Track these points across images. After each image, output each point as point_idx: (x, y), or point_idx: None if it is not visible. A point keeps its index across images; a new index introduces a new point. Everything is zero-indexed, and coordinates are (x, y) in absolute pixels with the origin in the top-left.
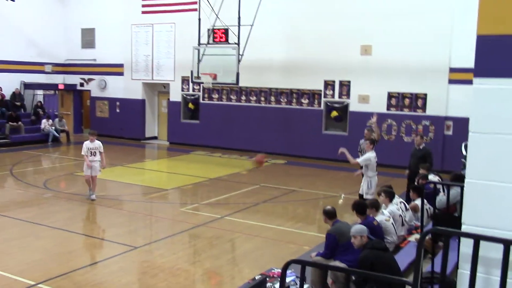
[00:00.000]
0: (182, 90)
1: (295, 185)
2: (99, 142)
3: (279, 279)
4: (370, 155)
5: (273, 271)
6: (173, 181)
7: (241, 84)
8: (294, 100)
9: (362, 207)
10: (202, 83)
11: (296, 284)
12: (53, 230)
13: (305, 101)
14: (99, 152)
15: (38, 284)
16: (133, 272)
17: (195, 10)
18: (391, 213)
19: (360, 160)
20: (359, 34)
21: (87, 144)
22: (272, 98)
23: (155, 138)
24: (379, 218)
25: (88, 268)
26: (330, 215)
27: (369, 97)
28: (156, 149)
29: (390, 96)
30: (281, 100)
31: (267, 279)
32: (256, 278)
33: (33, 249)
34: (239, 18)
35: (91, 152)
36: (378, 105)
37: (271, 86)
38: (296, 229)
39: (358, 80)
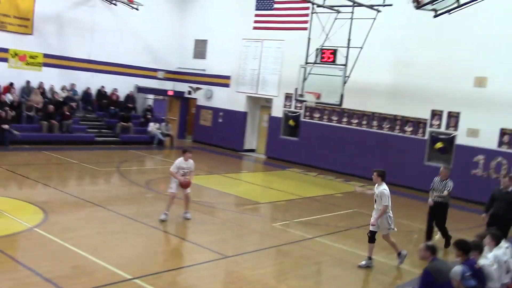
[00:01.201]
0: (284, 107)
1: None
2: (192, 162)
3: None
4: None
5: None
6: (267, 195)
7: (344, 105)
8: (397, 127)
9: (468, 247)
10: (305, 101)
11: None
12: (151, 229)
13: (409, 128)
14: (190, 171)
15: (134, 279)
16: (221, 280)
17: (305, 29)
18: (496, 257)
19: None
20: (473, 64)
21: (180, 162)
22: (375, 123)
23: (253, 150)
24: (482, 262)
25: (181, 270)
26: (434, 251)
27: (479, 132)
28: (253, 162)
29: (502, 132)
30: (384, 125)
31: None
32: None
33: (132, 245)
34: (349, 39)
35: (184, 172)
36: (489, 140)
37: (374, 110)
38: (388, 261)
39: (468, 112)
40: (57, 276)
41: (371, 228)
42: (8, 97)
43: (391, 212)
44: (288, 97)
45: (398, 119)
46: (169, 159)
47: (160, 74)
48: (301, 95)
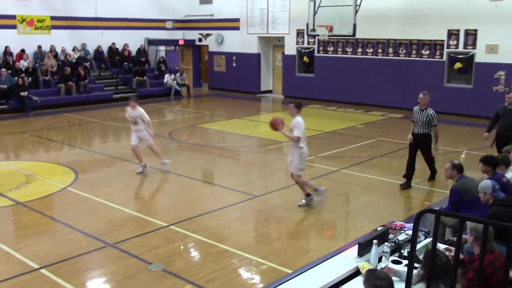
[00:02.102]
0: (297, 44)
1: None
2: (141, 110)
3: (402, 231)
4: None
5: (395, 223)
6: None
7: (357, 35)
8: (414, 52)
9: (495, 162)
10: (318, 35)
11: (420, 237)
12: (180, 177)
13: (425, 52)
14: (142, 120)
15: (170, 226)
16: (253, 219)
17: None
18: None
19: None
20: None
21: (127, 110)
22: (390, 50)
23: (270, 91)
24: (509, 175)
25: (212, 214)
26: (459, 169)
27: (498, 47)
28: (271, 102)
29: None
30: (400, 51)
31: (390, 230)
32: (378, 229)
33: (162, 194)
34: None
35: (131, 121)
36: (509, 55)
37: (389, 37)
38: (415, 184)
39: (486, 29)
40: (95, 230)
41: (302, 172)
42: (22, 64)
43: (305, 148)
44: (300, 33)
45: (414, 43)
46: (188, 109)
47: (168, 24)
48: (313, 30)
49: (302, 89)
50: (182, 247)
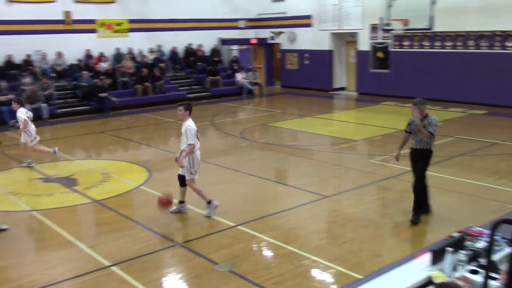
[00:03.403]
0: (371, 39)
1: (497, 137)
2: (22, 111)
3: (479, 238)
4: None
5: (472, 229)
6: (361, 132)
7: (435, 28)
8: (497, 44)
9: None
10: (393, 30)
11: (501, 245)
12: (250, 176)
13: (510, 43)
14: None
15: (238, 226)
16: (323, 220)
17: None
18: None
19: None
20: None
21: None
22: (471, 43)
23: (343, 89)
24: None
25: (281, 214)
26: None
27: None
28: (344, 99)
29: None
30: (481, 44)
31: (466, 237)
32: (453, 235)
33: (232, 194)
34: None
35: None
36: None
37: (469, 29)
38: (498, 186)
39: None
40: (165, 230)
41: (179, 171)
42: (102, 66)
43: (198, 152)
44: (374, 28)
45: (497, 34)
46: (259, 107)
47: (241, 24)
48: (388, 24)
49: (376, 86)
50: (249, 248)
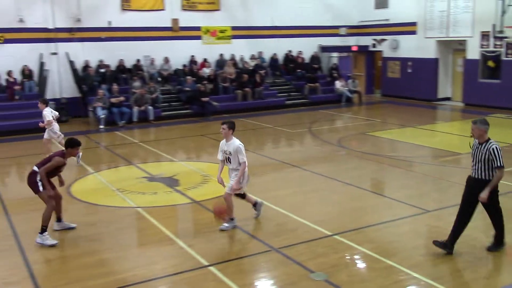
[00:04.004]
0: (481, 47)
1: None
2: (48, 110)
3: None
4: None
5: None
6: (467, 145)
7: None
8: None
9: None
10: (506, 37)
11: None
12: (347, 186)
13: None
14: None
15: (334, 236)
16: (423, 235)
17: None
18: None
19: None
20: None
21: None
22: None
23: (448, 99)
24: None
25: (380, 226)
26: None
27: None
28: (449, 110)
29: None
30: None
31: None
32: None
33: (329, 202)
34: None
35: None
36: None
37: None
38: None
39: None
40: (261, 234)
41: (235, 192)
42: (205, 72)
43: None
44: (484, 36)
45: None
46: (358, 116)
47: (342, 31)
48: (501, 31)
49: (485, 96)
50: (346, 258)
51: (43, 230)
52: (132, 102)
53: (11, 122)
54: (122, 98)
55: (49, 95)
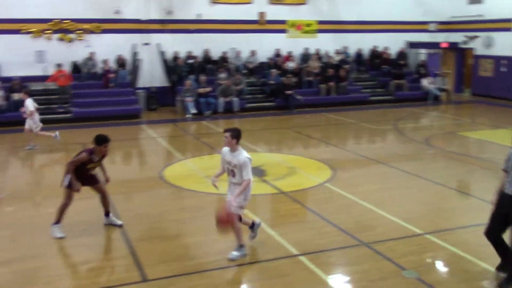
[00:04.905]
0: None
1: None
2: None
3: None
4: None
5: None
6: None
7: None
8: None
9: None
10: None
11: None
12: (435, 185)
13: None
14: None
15: (425, 234)
16: None
17: None
18: None
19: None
20: None
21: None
22: None
23: None
24: None
25: (469, 229)
26: None
27: None
28: None
29: None
30: None
31: None
32: None
33: (416, 201)
34: None
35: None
36: None
37: None
38: None
39: None
40: (349, 228)
41: (235, 211)
42: (289, 65)
43: (251, 185)
44: None
45: None
46: (446, 115)
47: (432, 27)
48: None
49: None
50: (438, 258)
51: (56, 222)
52: (218, 93)
53: (104, 108)
54: (209, 89)
55: (140, 84)
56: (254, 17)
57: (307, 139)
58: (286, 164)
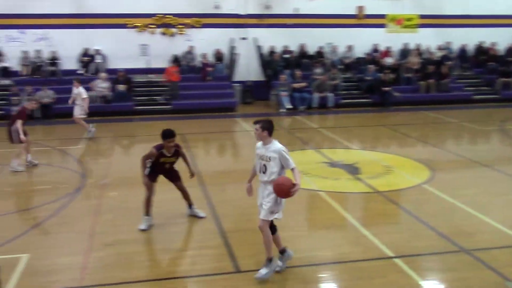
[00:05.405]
0: None
1: None
2: (82, 89)
3: None
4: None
5: None
6: None
7: None
8: None
9: None
10: None
11: None
12: None
13: None
14: (81, 98)
15: None
16: None
17: None
18: None
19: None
20: None
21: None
22: None
23: None
24: None
25: None
26: None
27: None
28: None
29: None
30: None
31: None
32: None
33: None
34: None
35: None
36: None
37: None
38: None
39: None
40: (448, 232)
41: (274, 216)
42: (387, 61)
43: None
44: None
45: None
46: None
47: None
48: None
49: None
50: None
51: (145, 214)
52: (313, 88)
53: (202, 101)
54: (304, 84)
55: (236, 77)
56: (352, 11)
57: (403, 137)
58: (381, 163)
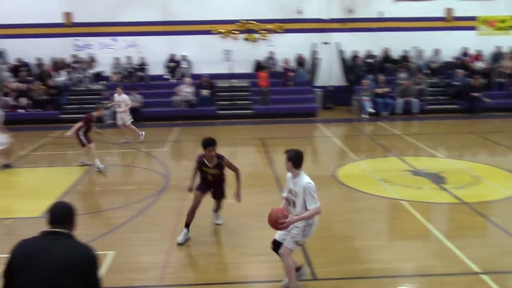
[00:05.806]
0: None
1: None
2: (126, 96)
3: None
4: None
5: None
6: None
7: None
8: None
9: None
10: None
11: None
12: None
13: None
14: (125, 104)
15: None
16: None
17: None
18: None
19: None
20: None
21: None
22: None
23: None
24: None
25: None
26: None
27: None
28: None
29: None
30: None
31: None
32: None
33: None
34: None
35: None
36: None
37: None
38: None
39: None
40: None
41: (276, 236)
42: (478, 65)
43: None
44: None
45: None
46: None
47: None
48: None
49: None
50: None
51: (185, 225)
52: (397, 93)
53: (283, 106)
54: (387, 89)
55: (318, 82)
56: (440, 13)
57: (494, 146)
58: (469, 172)
